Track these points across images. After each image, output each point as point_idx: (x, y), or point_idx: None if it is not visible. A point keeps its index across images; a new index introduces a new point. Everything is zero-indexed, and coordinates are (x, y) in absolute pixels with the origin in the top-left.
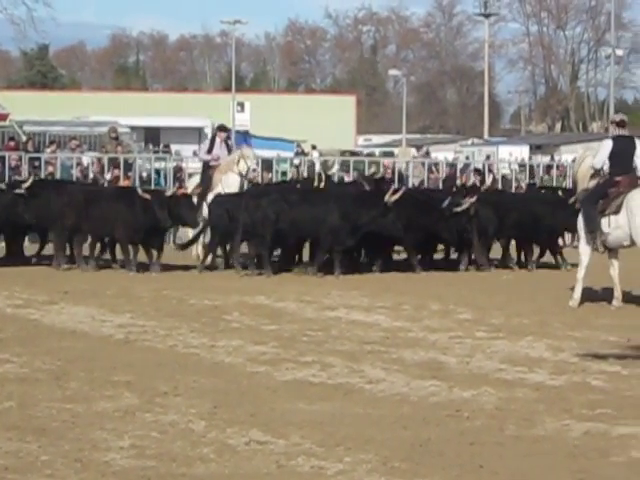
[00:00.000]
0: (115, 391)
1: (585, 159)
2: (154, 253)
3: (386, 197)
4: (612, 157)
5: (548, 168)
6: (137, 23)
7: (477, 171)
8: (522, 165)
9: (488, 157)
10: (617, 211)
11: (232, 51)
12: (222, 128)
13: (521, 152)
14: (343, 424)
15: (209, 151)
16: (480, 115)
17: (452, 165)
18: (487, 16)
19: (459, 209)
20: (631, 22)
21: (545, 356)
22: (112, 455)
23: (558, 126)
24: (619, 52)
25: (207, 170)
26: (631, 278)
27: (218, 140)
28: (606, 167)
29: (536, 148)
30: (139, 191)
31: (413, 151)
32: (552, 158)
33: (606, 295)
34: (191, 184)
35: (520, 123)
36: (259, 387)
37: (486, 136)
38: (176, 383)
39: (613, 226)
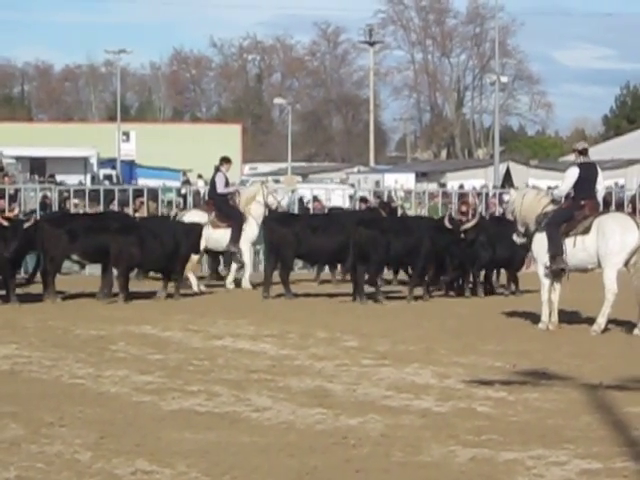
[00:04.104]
0: (0, 422)
1: (526, 194)
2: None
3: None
4: (577, 183)
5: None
6: (22, 53)
7: (363, 199)
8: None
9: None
10: (585, 232)
11: (117, 81)
12: (227, 160)
13: (407, 179)
14: (229, 453)
15: (226, 184)
16: (366, 143)
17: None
18: (372, 44)
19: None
20: (515, 49)
21: (431, 382)
22: None
23: (444, 153)
24: (504, 79)
25: (227, 202)
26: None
27: (225, 171)
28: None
29: (422, 175)
30: None
31: (298, 179)
32: (443, 185)
33: (496, 320)
34: (187, 218)
35: (406, 150)
36: (145, 417)
37: (372, 164)
38: (62, 414)
39: (579, 248)
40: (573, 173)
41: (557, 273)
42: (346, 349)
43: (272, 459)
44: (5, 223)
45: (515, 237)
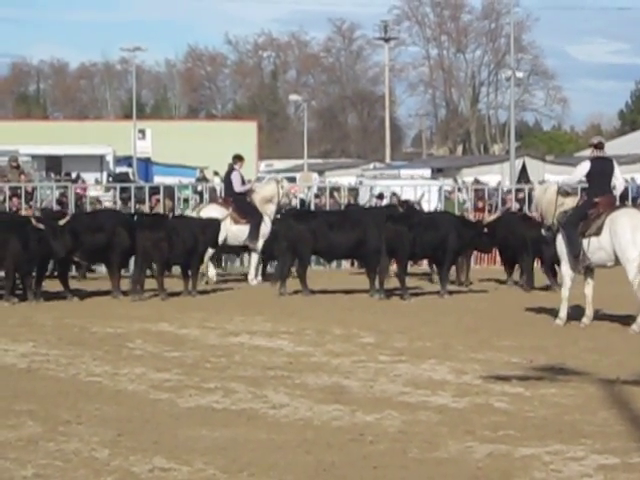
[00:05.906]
0: (17, 420)
1: (549, 188)
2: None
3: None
4: (590, 178)
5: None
6: (37, 51)
7: (379, 196)
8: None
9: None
10: (598, 233)
11: (132, 78)
12: (240, 157)
13: (423, 176)
14: (246, 450)
15: (242, 182)
16: (381, 139)
17: (354, 189)
18: (387, 40)
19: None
20: (530, 44)
21: (448, 378)
22: None
23: (459, 149)
24: (519, 74)
25: (244, 200)
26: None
27: (239, 169)
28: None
29: (438, 171)
30: (33, 221)
31: (315, 176)
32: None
33: (512, 316)
34: (205, 213)
35: (421, 146)
36: (162, 414)
37: (388, 160)
38: (79, 411)
39: (595, 247)
40: (584, 166)
41: (585, 270)
42: (363, 345)
43: (289, 456)
44: (41, 226)
45: (544, 231)
